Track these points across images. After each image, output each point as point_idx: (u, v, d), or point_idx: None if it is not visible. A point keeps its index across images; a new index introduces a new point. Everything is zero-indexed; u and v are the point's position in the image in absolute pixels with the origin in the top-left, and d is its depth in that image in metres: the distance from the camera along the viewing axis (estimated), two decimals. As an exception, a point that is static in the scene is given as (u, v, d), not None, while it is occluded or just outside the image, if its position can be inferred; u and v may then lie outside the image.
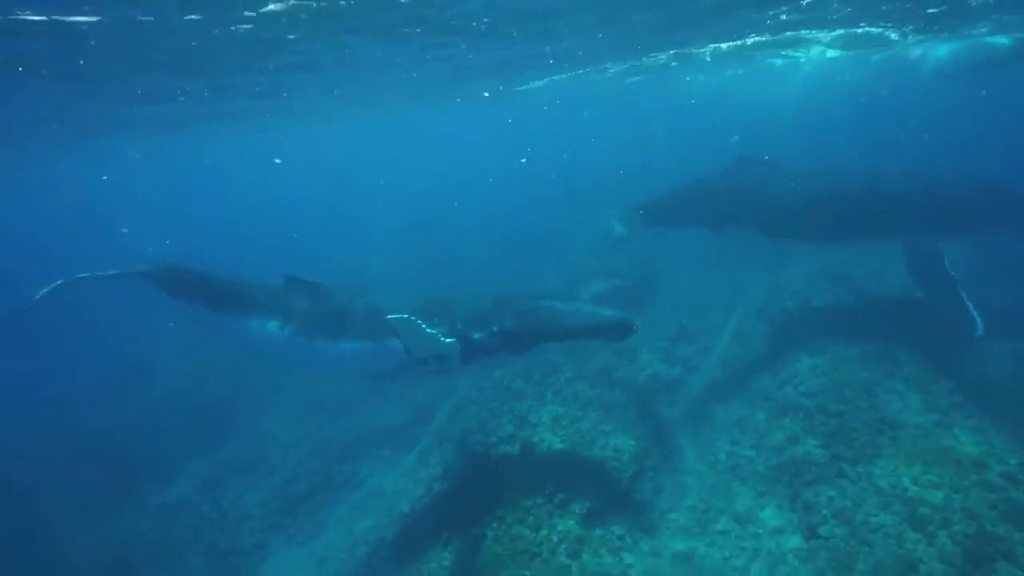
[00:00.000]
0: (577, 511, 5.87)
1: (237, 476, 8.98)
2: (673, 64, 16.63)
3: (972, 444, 5.47)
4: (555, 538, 5.51)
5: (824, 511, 5.26)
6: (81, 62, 8.25)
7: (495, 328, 5.70)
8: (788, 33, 13.20)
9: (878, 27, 13.03)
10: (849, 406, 6.13)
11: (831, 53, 16.76)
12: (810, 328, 7.85)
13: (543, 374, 8.75)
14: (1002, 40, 14.55)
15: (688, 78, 20.80)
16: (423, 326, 5.29)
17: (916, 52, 16.66)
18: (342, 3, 7.07)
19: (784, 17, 11.50)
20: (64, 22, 6.40)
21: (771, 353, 7.83)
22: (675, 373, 8.29)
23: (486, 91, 17.66)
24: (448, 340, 5.54)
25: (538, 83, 17.54)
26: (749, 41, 13.71)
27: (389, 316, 5.16)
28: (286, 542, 7.72)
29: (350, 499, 8.41)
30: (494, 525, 5.77)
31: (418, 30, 8.99)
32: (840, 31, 13.29)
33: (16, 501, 9.00)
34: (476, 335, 5.72)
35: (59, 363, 14.96)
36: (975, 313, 6.50)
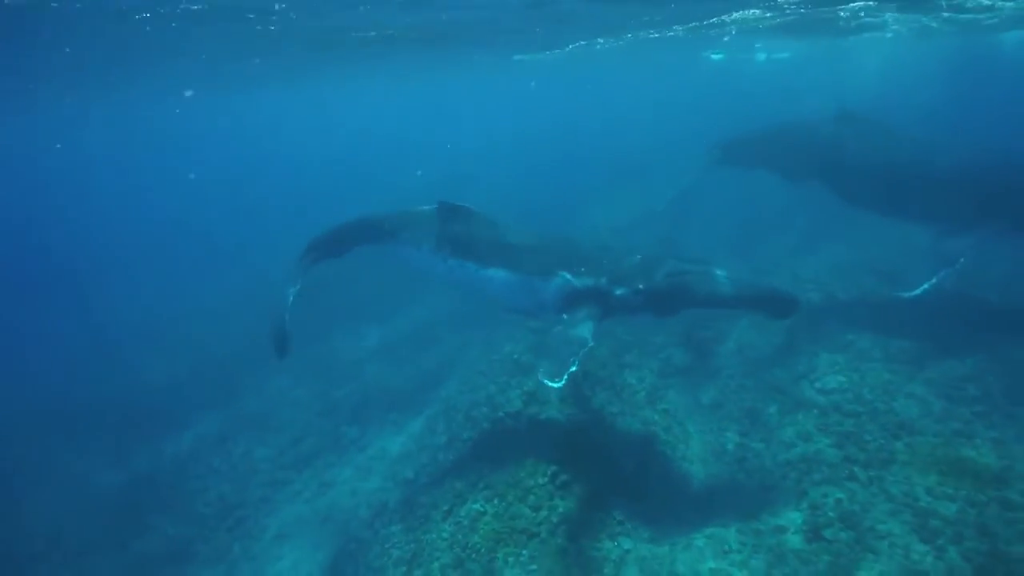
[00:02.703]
0: (578, 493, 5.85)
1: (247, 432, 9.18)
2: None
3: (993, 457, 5.28)
4: (555, 519, 5.51)
5: (831, 513, 5.15)
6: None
7: (640, 286, 5.44)
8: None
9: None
10: (867, 407, 5.96)
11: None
12: (833, 322, 7.60)
13: (553, 350, 8.67)
14: None
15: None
16: (568, 275, 5.63)
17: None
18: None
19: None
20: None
21: (789, 345, 7.62)
22: (688, 358, 8.13)
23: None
24: (590, 292, 5.60)
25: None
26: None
27: (538, 256, 5.72)
28: (292, 498, 7.90)
29: (356, 460, 8.55)
30: (495, 501, 5.79)
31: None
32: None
33: (35, 442, 9.37)
34: (619, 291, 5.55)
35: (80, 316, 15.35)
36: (925, 285, 6.26)
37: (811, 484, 5.51)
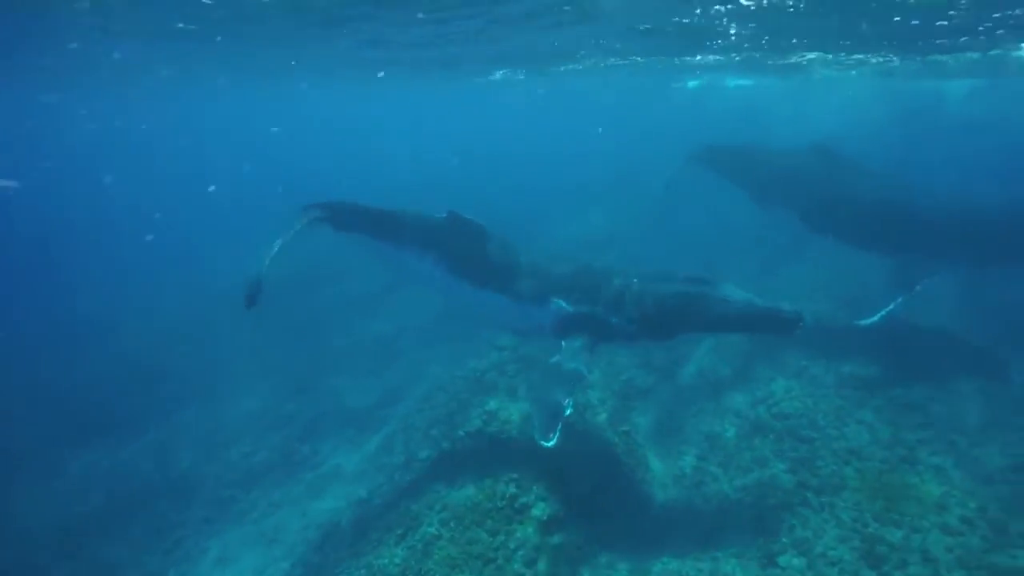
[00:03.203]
0: (537, 517, 5.74)
1: (192, 445, 8.71)
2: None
3: (935, 484, 5.47)
4: (512, 544, 5.38)
5: (784, 540, 5.22)
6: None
7: (635, 315, 5.39)
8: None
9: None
10: (820, 433, 6.10)
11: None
12: (789, 348, 7.80)
13: (517, 369, 8.60)
14: None
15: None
16: (562, 303, 5.62)
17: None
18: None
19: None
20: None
21: (747, 369, 7.77)
22: (650, 381, 8.18)
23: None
24: (585, 320, 5.59)
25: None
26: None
27: (534, 281, 5.70)
28: (238, 519, 7.50)
29: (308, 479, 8.21)
30: (451, 525, 5.62)
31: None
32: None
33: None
34: (615, 320, 5.51)
35: (21, 316, 14.39)
36: (883, 312, 6.58)
37: (766, 510, 5.57)
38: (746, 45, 10.26)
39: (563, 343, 5.70)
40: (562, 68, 15.49)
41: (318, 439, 9.05)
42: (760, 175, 9.04)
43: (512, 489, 5.98)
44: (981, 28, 9.44)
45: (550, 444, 4.98)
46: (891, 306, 6.69)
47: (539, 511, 5.78)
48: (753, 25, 9.39)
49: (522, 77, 17.84)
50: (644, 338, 5.55)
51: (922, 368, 7.13)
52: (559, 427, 5.05)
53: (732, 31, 9.75)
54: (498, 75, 17.68)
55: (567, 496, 6.00)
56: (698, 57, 12.74)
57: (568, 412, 5.17)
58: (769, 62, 12.83)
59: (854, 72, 15.28)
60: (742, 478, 6.04)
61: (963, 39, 10.39)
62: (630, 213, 16.06)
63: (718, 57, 12.72)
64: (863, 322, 6.81)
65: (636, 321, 5.39)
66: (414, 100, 31.92)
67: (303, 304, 13.80)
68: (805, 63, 13.53)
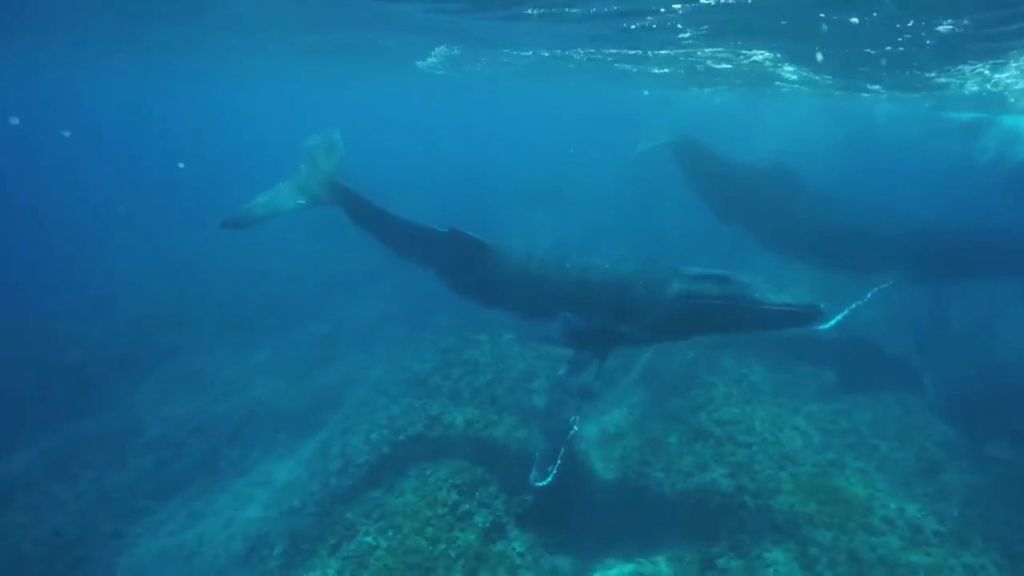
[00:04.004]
0: (479, 524, 5.58)
1: (99, 452, 7.89)
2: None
3: (860, 486, 5.73)
4: (453, 553, 5.18)
5: (723, 543, 5.29)
6: None
7: (647, 321, 5.11)
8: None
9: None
10: (757, 438, 6.28)
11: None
12: (729, 356, 8.04)
13: (462, 372, 8.41)
14: None
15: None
16: (569, 315, 5.36)
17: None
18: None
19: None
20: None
21: (689, 376, 7.93)
22: (596, 386, 8.19)
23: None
24: (594, 330, 5.37)
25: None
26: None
27: (539, 293, 5.51)
28: (152, 531, 6.85)
29: (234, 487, 7.65)
30: (389, 534, 5.35)
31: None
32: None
33: None
34: (625, 327, 5.24)
35: None
36: (838, 317, 6.99)
37: (706, 513, 5.65)
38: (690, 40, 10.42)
39: (572, 354, 5.53)
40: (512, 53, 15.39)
41: (247, 444, 8.48)
42: (723, 192, 9.40)
43: (454, 496, 5.79)
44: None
45: (544, 483, 4.74)
46: (845, 312, 7.07)
47: (482, 518, 5.62)
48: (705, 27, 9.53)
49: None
50: (659, 342, 5.47)
51: (849, 377, 7.54)
52: (559, 460, 4.84)
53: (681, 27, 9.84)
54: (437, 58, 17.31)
55: (510, 502, 5.87)
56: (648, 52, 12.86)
57: (573, 432, 4.97)
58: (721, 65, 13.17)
59: (806, 89, 16.15)
60: (683, 483, 6.11)
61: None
62: (600, 215, 16.34)
63: (669, 56, 12.87)
64: (820, 327, 7.13)
65: (650, 328, 5.14)
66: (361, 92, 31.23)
67: (236, 302, 13.03)
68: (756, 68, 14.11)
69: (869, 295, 6.93)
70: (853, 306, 6.99)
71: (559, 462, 4.83)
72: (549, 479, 4.75)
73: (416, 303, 11.80)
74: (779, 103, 21.34)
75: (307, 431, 8.72)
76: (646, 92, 21.02)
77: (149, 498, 7.32)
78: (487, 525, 5.58)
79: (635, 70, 15.04)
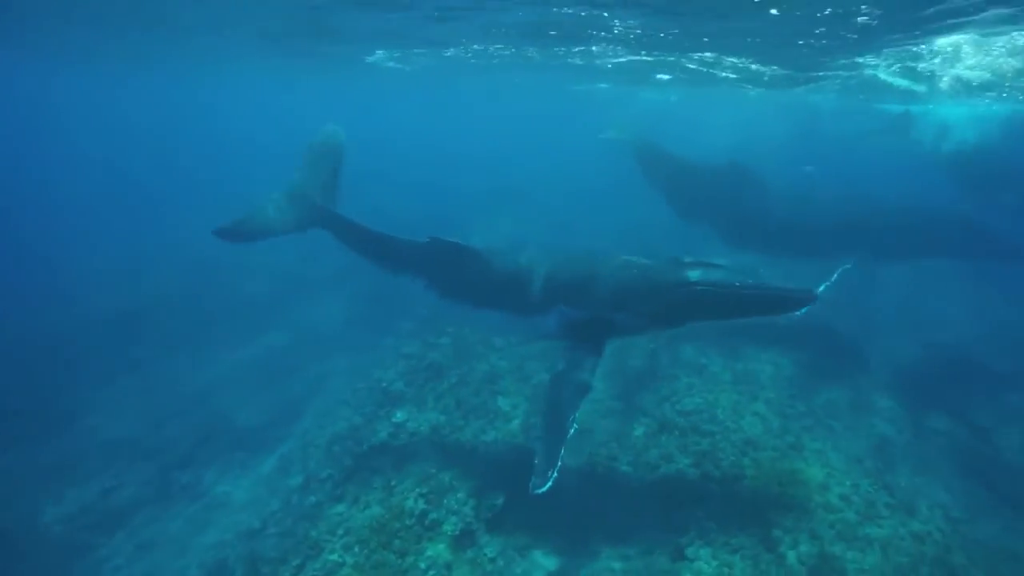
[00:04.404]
0: (449, 532, 5.47)
1: (35, 484, 7.34)
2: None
3: (818, 467, 5.93)
4: (423, 564, 5.07)
5: (692, 531, 5.37)
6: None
7: (642, 309, 5.06)
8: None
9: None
10: (720, 427, 6.40)
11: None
12: (689, 347, 8.18)
13: (426, 377, 8.27)
14: None
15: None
16: (565, 308, 5.34)
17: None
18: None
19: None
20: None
21: (652, 369, 8.03)
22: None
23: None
24: (591, 321, 5.31)
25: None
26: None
27: (532, 290, 5.42)
28: (94, 569, 6.41)
29: (188, 511, 7.27)
30: (355, 550, 5.19)
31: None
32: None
33: None
34: (621, 316, 5.18)
35: None
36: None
37: (674, 504, 5.72)
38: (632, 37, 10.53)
39: (568, 349, 5.43)
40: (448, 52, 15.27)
41: (201, 465, 8.07)
42: (684, 190, 9.64)
43: (422, 505, 5.67)
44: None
45: (544, 489, 4.61)
46: (821, 287, 7.40)
47: (450, 526, 5.52)
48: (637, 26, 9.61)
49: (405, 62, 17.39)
50: (655, 330, 5.41)
51: (803, 361, 7.80)
52: (559, 462, 4.71)
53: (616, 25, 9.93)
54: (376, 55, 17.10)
55: (480, 507, 5.79)
56: (590, 48, 12.89)
57: (573, 431, 4.87)
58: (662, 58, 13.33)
59: (750, 87, 16.60)
60: (651, 475, 6.17)
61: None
62: (565, 213, 16.39)
63: (609, 48, 12.94)
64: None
65: (648, 317, 5.11)
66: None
67: (192, 310, 12.44)
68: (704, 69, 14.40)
69: (835, 276, 7.24)
70: (822, 288, 7.30)
71: (560, 464, 4.73)
72: (549, 483, 4.64)
73: (378, 308, 11.54)
74: (729, 100, 21.96)
75: (266, 447, 8.39)
76: (604, 85, 21.22)
77: (92, 531, 6.85)
78: (457, 533, 5.49)
79: (582, 63, 15.07)
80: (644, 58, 12.95)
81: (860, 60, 11.36)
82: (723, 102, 23.03)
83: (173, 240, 16.73)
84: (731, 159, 9.33)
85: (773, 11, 7.52)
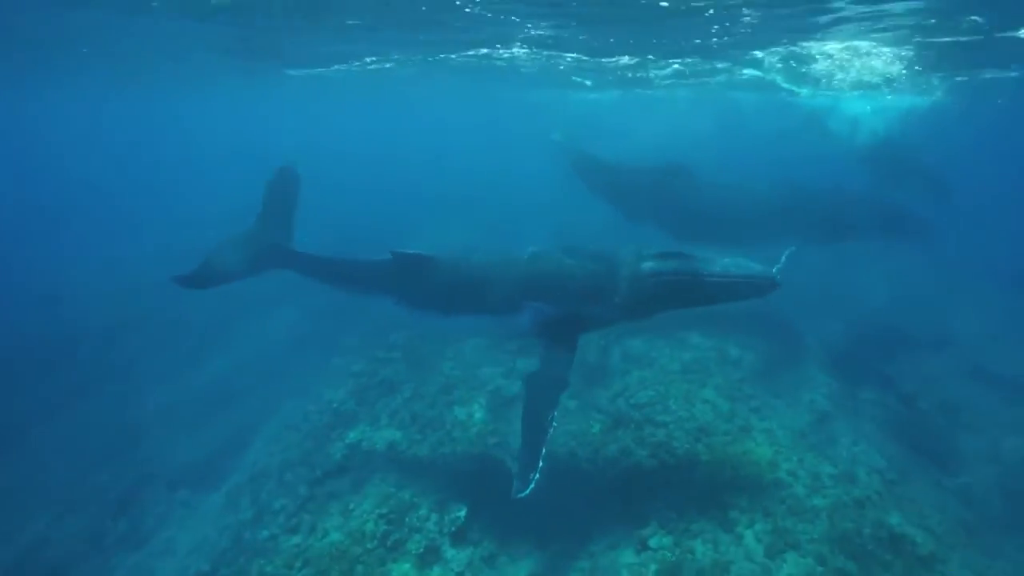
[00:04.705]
0: (413, 551, 5.34)
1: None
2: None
3: (767, 446, 6.19)
4: (388, 588, 4.91)
5: (653, 521, 5.47)
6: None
7: (616, 300, 5.07)
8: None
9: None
10: (672, 416, 6.57)
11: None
12: (638, 341, 8.37)
13: (378, 394, 8.07)
14: None
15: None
16: (538, 304, 5.30)
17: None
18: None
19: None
20: None
21: (603, 365, 8.16)
22: (516, 388, 8.18)
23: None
24: (565, 316, 5.29)
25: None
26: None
27: (503, 290, 5.38)
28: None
29: (129, 563, 6.75)
30: (315, 582, 4.96)
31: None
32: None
33: None
34: (595, 308, 5.20)
35: None
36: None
37: (634, 497, 5.81)
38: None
39: (543, 347, 5.40)
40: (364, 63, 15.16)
41: (139, 511, 7.53)
42: (624, 199, 9.94)
43: (383, 526, 5.51)
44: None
45: (526, 493, 4.57)
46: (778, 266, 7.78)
47: (415, 545, 5.39)
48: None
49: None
50: (628, 320, 5.41)
51: (746, 345, 8.13)
52: (541, 463, 4.67)
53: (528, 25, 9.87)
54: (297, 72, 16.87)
55: (443, 522, 5.69)
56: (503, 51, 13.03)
57: (552, 429, 4.85)
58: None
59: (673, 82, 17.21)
60: (611, 470, 6.25)
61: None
62: (515, 218, 16.37)
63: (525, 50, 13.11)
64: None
65: (620, 308, 5.14)
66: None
67: (121, 339, 11.59)
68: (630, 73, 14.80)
69: (783, 259, 7.66)
70: (776, 271, 7.71)
71: (541, 464, 4.69)
72: (531, 486, 4.61)
73: (324, 325, 11.16)
74: (658, 100, 22.74)
75: (211, 483, 7.93)
76: (538, 91, 21.46)
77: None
78: (421, 551, 5.37)
79: (506, 66, 15.21)
80: (559, 59, 13.18)
81: (758, 55, 12.17)
82: (652, 102, 23.79)
83: (105, 262, 15.64)
84: (667, 158, 9.70)
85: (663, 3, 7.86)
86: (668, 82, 16.69)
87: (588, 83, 18.26)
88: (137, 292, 13.34)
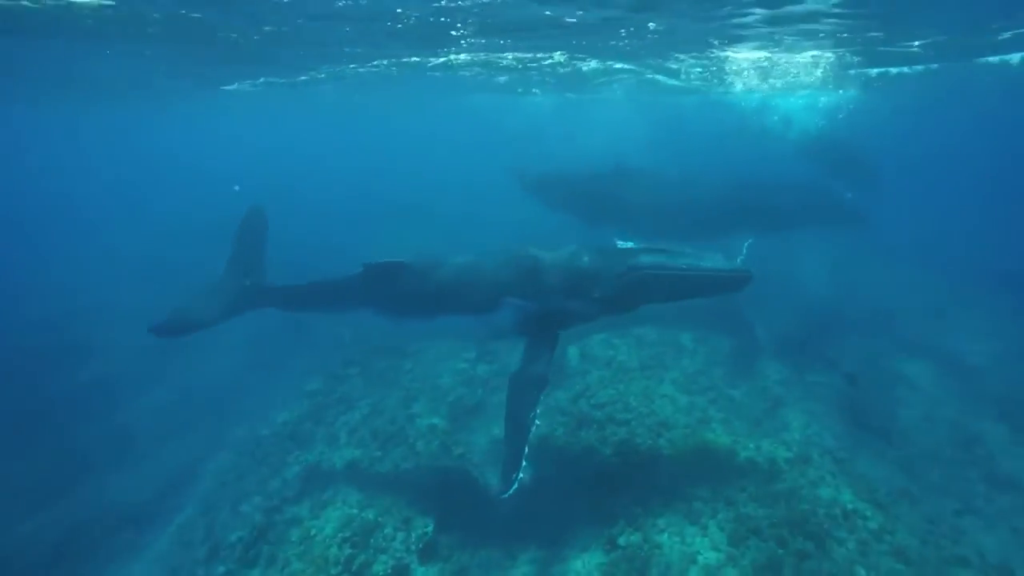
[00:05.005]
0: (380, 572, 5.17)
1: None
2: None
3: (725, 436, 6.35)
4: (355, 615, 4.72)
5: (621, 520, 5.50)
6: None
7: (596, 295, 5.11)
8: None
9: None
10: (633, 414, 6.65)
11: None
12: (596, 341, 8.44)
13: (336, 412, 7.81)
14: None
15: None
16: (517, 300, 5.29)
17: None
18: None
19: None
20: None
21: (562, 367, 8.18)
22: (477, 396, 8.11)
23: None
24: (545, 311, 5.27)
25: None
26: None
27: (481, 289, 5.39)
28: None
29: (67, 617, 6.23)
30: (276, 618, 4.72)
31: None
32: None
33: None
34: (575, 303, 5.23)
35: None
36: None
37: (602, 496, 5.83)
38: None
39: (525, 343, 5.40)
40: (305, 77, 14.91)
41: (79, 559, 6.97)
42: (579, 202, 10.09)
43: (347, 550, 5.31)
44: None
45: (509, 494, 4.55)
46: (743, 255, 8.07)
47: (381, 566, 5.23)
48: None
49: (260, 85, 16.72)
50: (607, 315, 5.42)
51: (700, 339, 8.35)
52: (524, 462, 4.67)
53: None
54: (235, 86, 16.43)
55: (409, 539, 5.54)
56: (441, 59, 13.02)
57: (535, 427, 4.83)
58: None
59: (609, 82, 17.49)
60: (576, 471, 6.25)
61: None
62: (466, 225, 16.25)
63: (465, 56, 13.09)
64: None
65: (600, 302, 5.20)
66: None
67: (50, 376, 10.75)
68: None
69: (745, 251, 7.96)
70: (738, 261, 8.09)
71: (524, 463, 4.69)
72: (515, 486, 4.61)
73: (275, 346, 10.73)
74: (599, 103, 23.15)
75: (158, 520, 7.43)
76: (481, 97, 21.41)
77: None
78: (388, 571, 5.20)
79: (441, 75, 15.13)
80: (490, 61, 13.22)
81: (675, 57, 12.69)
82: (593, 106, 24.19)
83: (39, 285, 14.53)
84: (617, 162, 9.99)
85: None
86: (601, 80, 17.01)
87: (536, 91, 18.43)
88: (71, 320, 12.47)
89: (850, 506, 5.47)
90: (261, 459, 7.30)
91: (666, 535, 5.31)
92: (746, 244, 8.20)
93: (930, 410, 8.60)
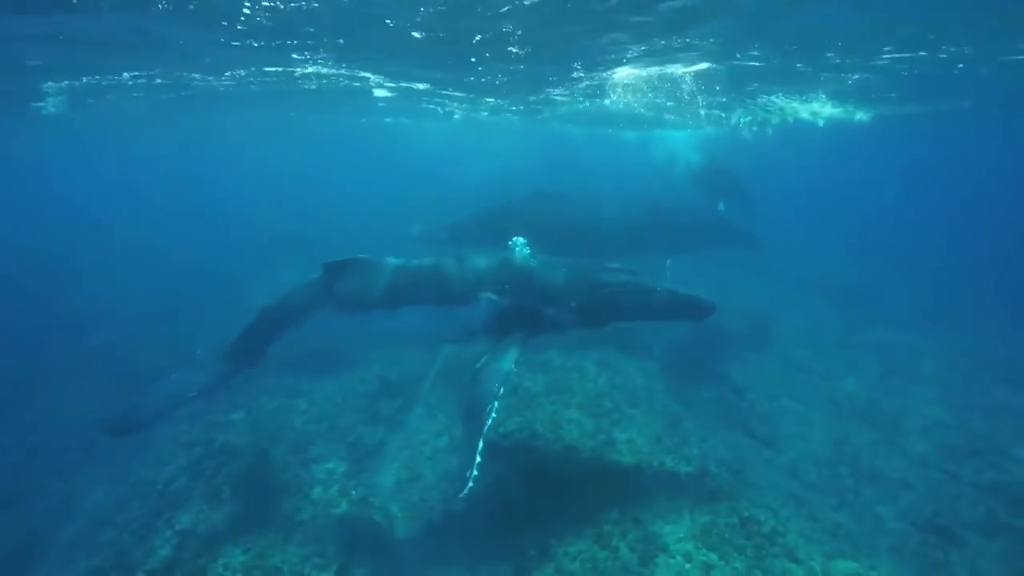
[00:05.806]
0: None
1: None
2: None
3: (630, 455, 6.46)
4: None
5: (532, 552, 5.33)
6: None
7: (572, 304, 5.32)
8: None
9: None
10: (542, 440, 6.58)
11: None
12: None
13: (218, 464, 6.96)
14: None
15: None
16: (492, 295, 5.39)
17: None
18: None
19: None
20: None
21: (470, 396, 7.96)
22: (379, 434, 7.65)
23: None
24: (519, 311, 5.36)
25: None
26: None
27: (455, 283, 5.49)
28: None
29: None
30: None
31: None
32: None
33: None
34: (549, 309, 5.40)
35: None
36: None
37: (512, 529, 5.65)
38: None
39: (496, 340, 5.31)
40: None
41: None
42: (502, 232, 10.26)
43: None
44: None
45: (465, 493, 4.44)
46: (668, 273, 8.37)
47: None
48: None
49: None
50: (578, 327, 5.50)
51: (601, 362, 8.54)
52: (479, 458, 4.53)
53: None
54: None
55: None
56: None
57: (492, 420, 4.69)
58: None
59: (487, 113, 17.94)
60: (486, 505, 6.03)
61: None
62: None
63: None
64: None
65: (575, 311, 5.36)
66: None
67: None
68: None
69: (667, 271, 8.34)
70: (667, 273, 8.63)
71: (479, 460, 4.56)
72: (470, 484, 4.48)
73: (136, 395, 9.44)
74: (484, 129, 23.70)
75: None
76: (388, 120, 21.05)
77: None
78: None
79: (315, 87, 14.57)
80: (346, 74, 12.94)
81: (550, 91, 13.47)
82: (485, 129, 24.58)
83: None
84: (535, 190, 10.54)
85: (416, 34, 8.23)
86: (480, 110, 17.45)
87: (435, 111, 18.47)
88: None
89: (746, 513, 5.73)
90: (123, 527, 6.27)
91: (578, 563, 5.21)
92: (667, 265, 8.70)
93: (806, 417, 9.44)
